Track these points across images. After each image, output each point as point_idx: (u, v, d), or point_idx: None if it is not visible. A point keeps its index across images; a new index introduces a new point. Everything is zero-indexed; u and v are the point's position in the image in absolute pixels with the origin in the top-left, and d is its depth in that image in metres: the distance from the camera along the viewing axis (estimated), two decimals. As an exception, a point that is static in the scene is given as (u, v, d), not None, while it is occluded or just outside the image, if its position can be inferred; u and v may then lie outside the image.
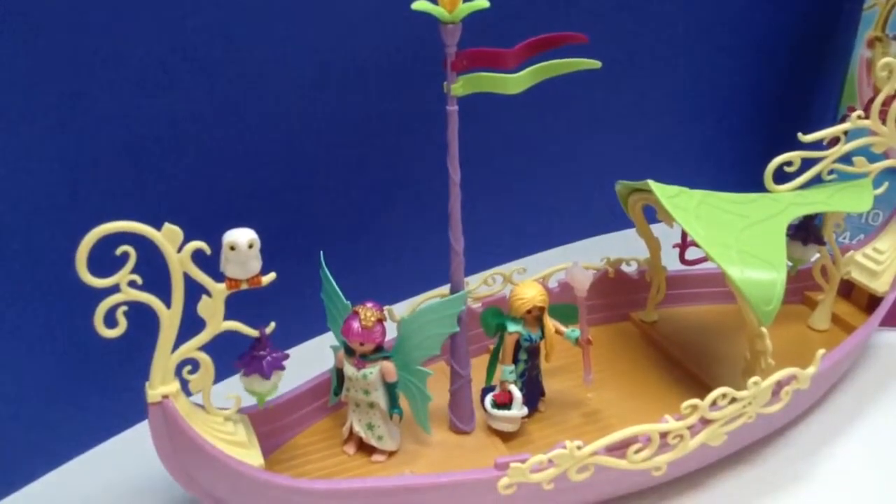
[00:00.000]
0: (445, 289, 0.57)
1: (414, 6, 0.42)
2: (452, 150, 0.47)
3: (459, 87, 0.46)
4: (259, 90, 0.61)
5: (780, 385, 0.54)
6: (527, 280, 0.58)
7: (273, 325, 0.47)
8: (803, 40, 0.89)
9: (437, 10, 0.43)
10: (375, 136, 0.68)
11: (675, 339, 0.68)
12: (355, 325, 0.49)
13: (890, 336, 0.73)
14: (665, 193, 0.56)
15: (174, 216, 0.42)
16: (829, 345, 0.65)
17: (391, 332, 0.52)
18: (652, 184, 0.56)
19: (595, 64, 0.50)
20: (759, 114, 0.90)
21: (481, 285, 0.66)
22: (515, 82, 0.47)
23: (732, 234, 0.55)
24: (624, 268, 0.70)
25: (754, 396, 0.52)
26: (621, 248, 0.69)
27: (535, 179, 0.81)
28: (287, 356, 0.49)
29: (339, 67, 0.64)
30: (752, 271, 0.52)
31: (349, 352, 0.51)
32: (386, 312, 0.61)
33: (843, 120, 0.79)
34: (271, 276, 0.44)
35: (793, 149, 0.60)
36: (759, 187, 0.60)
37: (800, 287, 0.72)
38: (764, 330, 0.53)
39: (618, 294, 0.70)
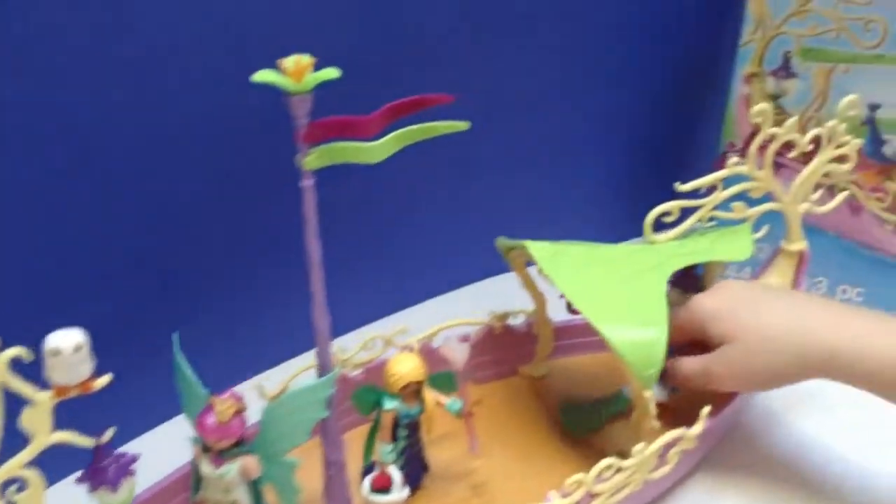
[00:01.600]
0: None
1: (255, 78, 0.39)
2: (310, 227, 0.44)
3: (314, 160, 0.43)
4: (97, 153, 0.57)
5: (666, 447, 0.53)
6: (401, 353, 0.55)
7: (111, 431, 0.42)
8: (683, 79, 0.89)
9: (283, 81, 0.40)
10: (233, 195, 0.64)
11: (565, 394, 0.66)
12: (210, 420, 0.45)
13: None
14: (542, 254, 0.54)
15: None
16: (712, 393, 0.65)
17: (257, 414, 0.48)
18: (529, 244, 0.55)
19: (462, 126, 0.48)
20: (642, 155, 0.90)
21: (360, 351, 0.62)
22: (376, 151, 0.44)
23: (611, 293, 0.53)
24: (510, 321, 0.68)
25: (640, 464, 0.51)
26: (509, 291, 0.66)
27: (414, 227, 0.78)
28: (136, 458, 0.45)
29: (203, 127, 0.60)
30: (631, 333, 0.51)
31: (205, 448, 0.47)
32: (257, 390, 0.57)
33: (723, 157, 0.80)
34: (105, 379, 0.40)
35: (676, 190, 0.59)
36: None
37: (687, 331, 0.72)
38: (647, 393, 0.52)
39: (505, 349, 0.68)
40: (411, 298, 0.81)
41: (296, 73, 0.40)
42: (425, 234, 0.79)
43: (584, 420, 0.60)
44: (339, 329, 0.73)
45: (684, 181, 0.60)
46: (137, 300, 0.62)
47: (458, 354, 0.51)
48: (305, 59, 0.40)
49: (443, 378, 0.54)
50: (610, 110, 0.85)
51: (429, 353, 0.62)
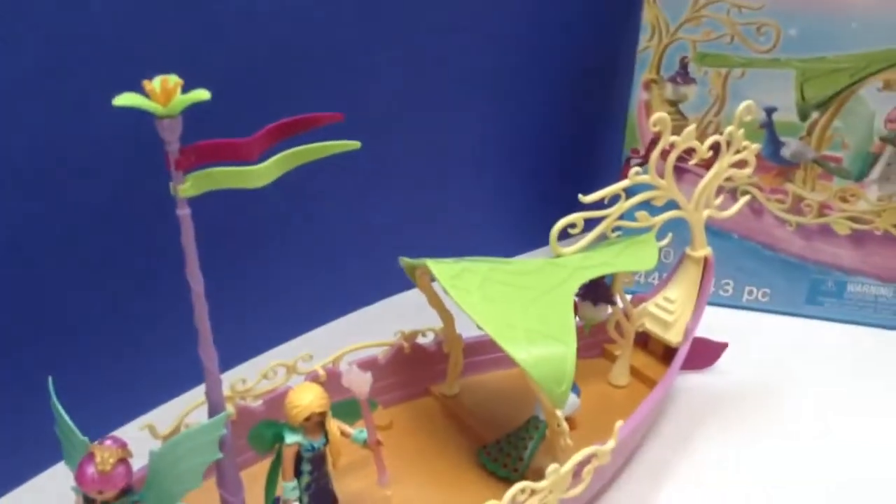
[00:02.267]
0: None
1: (116, 102, 0.36)
2: (190, 259, 0.41)
3: (189, 187, 0.40)
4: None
5: (581, 465, 0.52)
6: (302, 384, 0.52)
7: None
8: (583, 88, 0.89)
9: (149, 105, 0.37)
10: (109, 226, 0.60)
11: (478, 413, 0.64)
12: (90, 470, 0.42)
13: (689, 380, 0.74)
14: (445, 274, 0.52)
15: None
16: (629, 401, 0.65)
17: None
18: (431, 265, 0.53)
19: (353, 145, 0.46)
20: (546, 163, 0.90)
21: (261, 381, 0.59)
22: (258, 175, 0.42)
23: (518, 311, 0.52)
24: (420, 339, 0.66)
25: (554, 484, 0.49)
26: (417, 307, 0.64)
27: (314, 246, 0.76)
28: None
29: (72, 153, 0.56)
30: (539, 350, 0.49)
31: (88, 500, 0.43)
32: (148, 430, 0.54)
33: (627, 163, 0.81)
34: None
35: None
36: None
37: (598, 341, 0.72)
38: (559, 412, 0.50)
39: (416, 369, 0.66)
40: (315, 320, 0.79)
41: (163, 94, 0.37)
42: (326, 253, 0.77)
43: (508, 461, 0.58)
44: (240, 356, 0.71)
45: (590, 189, 0.59)
46: (8, 339, 0.57)
47: (361, 384, 0.49)
48: (173, 80, 0.37)
49: (346, 406, 0.52)
50: (511, 121, 0.84)
51: (335, 379, 0.60)
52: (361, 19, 0.70)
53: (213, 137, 0.40)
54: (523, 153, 0.87)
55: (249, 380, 0.59)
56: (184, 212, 0.40)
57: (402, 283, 0.66)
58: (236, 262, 0.69)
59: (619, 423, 0.53)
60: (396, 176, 0.78)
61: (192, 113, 0.39)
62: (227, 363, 0.69)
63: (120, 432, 0.61)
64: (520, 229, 0.82)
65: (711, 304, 0.74)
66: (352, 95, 0.68)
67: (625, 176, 0.80)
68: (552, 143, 0.89)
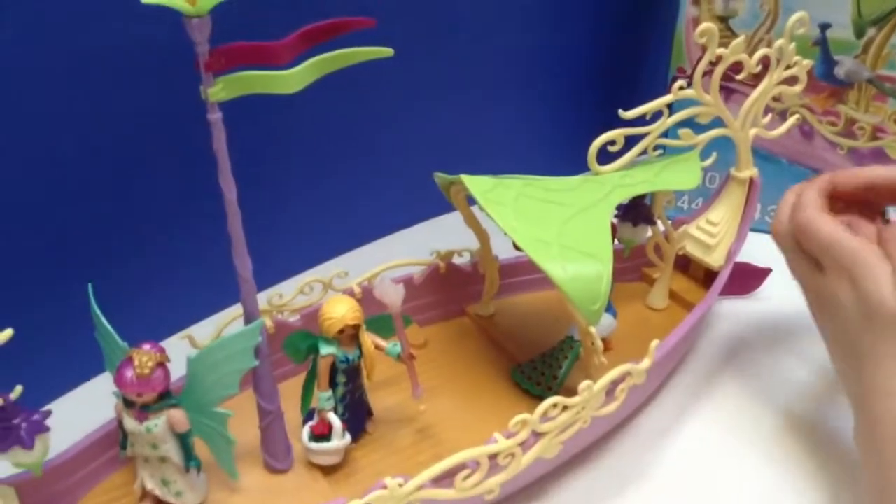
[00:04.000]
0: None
1: (145, 0, 0.35)
2: (223, 164, 0.41)
3: (220, 90, 0.39)
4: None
5: (614, 384, 0.51)
6: (336, 295, 0.52)
7: (19, 389, 0.40)
8: (629, 2, 0.86)
9: (178, 3, 0.36)
10: (144, 139, 0.60)
11: (513, 333, 0.64)
12: (129, 373, 0.43)
13: (730, 305, 0.73)
14: (479, 188, 0.52)
15: None
16: (667, 324, 0.64)
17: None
18: (465, 179, 0.52)
19: (386, 52, 0.45)
20: (589, 83, 0.87)
21: (298, 295, 0.60)
22: (291, 80, 0.41)
23: (554, 228, 0.51)
24: (456, 259, 0.66)
25: (587, 401, 0.49)
26: (454, 231, 0.64)
27: (350, 167, 0.76)
28: (48, 414, 0.43)
29: (99, 60, 0.55)
30: (574, 268, 0.49)
31: (128, 403, 0.44)
32: (187, 340, 0.55)
33: (672, 83, 0.78)
34: (7, 333, 0.37)
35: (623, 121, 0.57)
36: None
37: (637, 264, 0.71)
38: (593, 329, 0.50)
39: (451, 289, 0.67)
40: (352, 242, 0.79)
41: (192, -7, 0.36)
42: (363, 174, 0.76)
43: (543, 379, 0.58)
44: (278, 276, 0.71)
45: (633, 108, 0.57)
46: (56, 254, 0.59)
47: (393, 296, 0.49)
48: (203, -21, 0.36)
49: (380, 321, 0.52)
50: (555, 39, 0.82)
51: (371, 296, 0.60)
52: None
53: (245, 40, 0.40)
54: (568, 73, 0.85)
55: (287, 295, 0.59)
56: (215, 116, 0.40)
57: (441, 205, 0.65)
58: (276, 181, 0.69)
59: (654, 343, 0.53)
60: (437, 95, 0.76)
61: (225, 16, 0.39)
62: (265, 280, 0.71)
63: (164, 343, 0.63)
64: (564, 150, 0.79)
65: (757, 230, 0.72)
66: (396, 8, 0.66)
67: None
68: (597, 62, 0.87)
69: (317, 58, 0.42)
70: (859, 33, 0.73)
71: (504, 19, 0.78)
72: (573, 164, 0.70)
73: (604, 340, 0.61)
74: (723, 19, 0.75)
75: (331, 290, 0.61)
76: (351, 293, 0.61)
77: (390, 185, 0.78)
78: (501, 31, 0.78)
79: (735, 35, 0.75)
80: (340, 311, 0.49)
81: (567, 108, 0.87)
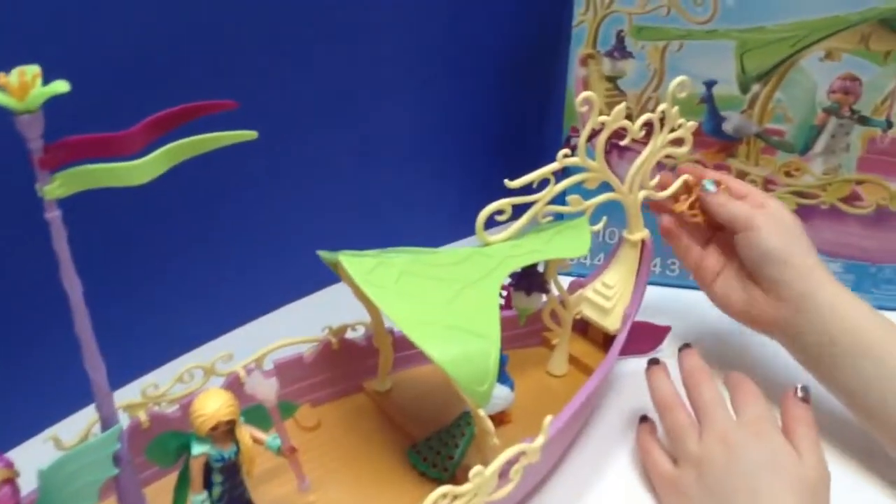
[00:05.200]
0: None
1: (-33, 96, 0.33)
2: (64, 264, 0.38)
3: (57, 187, 0.37)
4: None
5: (508, 464, 0.50)
6: (209, 390, 0.49)
7: None
8: (518, 66, 0.87)
9: (4, 100, 0.34)
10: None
11: (410, 409, 0.62)
12: (-32, 496, 0.39)
13: (633, 364, 0.72)
14: (360, 270, 0.50)
15: None
16: (568, 391, 0.63)
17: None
18: (344, 261, 0.50)
19: (249, 135, 0.43)
20: (482, 146, 0.87)
21: (176, 384, 0.56)
22: (138, 172, 0.39)
23: (439, 307, 0.50)
24: (349, 334, 0.64)
25: (479, 487, 0.48)
26: (347, 300, 0.62)
27: (232, 240, 0.73)
28: None
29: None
30: (459, 348, 0.47)
31: (-28, 527, 0.40)
32: (53, 442, 0.51)
33: (566, 144, 0.78)
34: None
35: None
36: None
37: (536, 329, 0.70)
38: (482, 412, 0.48)
39: (346, 365, 0.64)
40: (238, 319, 0.76)
41: (20, 88, 0.34)
42: (248, 248, 0.74)
43: (438, 460, 0.56)
44: (156, 360, 0.68)
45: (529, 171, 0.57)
46: None
47: (266, 390, 0.47)
48: (31, 71, 0.34)
49: (259, 411, 0.49)
50: (442, 105, 0.81)
51: (256, 380, 0.58)
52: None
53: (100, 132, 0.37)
54: (457, 138, 0.85)
55: (163, 384, 0.56)
56: (53, 214, 0.37)
57: (330, 276, 0.63)
58: (149, 261, 0.66)
59: (548, 419, 0.52)
60: (321, 165, 0.75)
61: (69, 106, 0.36)
62: (142, 367, 0.67)
63: (25, 445, 0.59)
64: (458, 217, 0.79)
65: (657, 283, 0.72)
66: (265, 83, 0.65)
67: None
68: (488, 126, 0.86)
69: (169, 146, 0.40)
70: (744, 89, 0.74)
71: (387, 86, 0.77)
72: (471, 228, 0.69)
73: (502, 413, 0.61)
74: (611, 79, 0.76)
75: (214, 375, 0.58)
76: (235, 379, 0.58)
77: (276, 257, 0.75)
78: (386, 99, 0.77)
79: (623, 94, 0.76)
80: (213, 406, 0.46)
81: (459, 173, 0.87)
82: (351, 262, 0.50)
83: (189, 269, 0.69)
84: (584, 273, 0.72)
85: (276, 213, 0.73)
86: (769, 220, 0.61)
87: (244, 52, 0.66)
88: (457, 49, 0.80)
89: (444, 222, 0.81)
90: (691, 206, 0.66)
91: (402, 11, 0.74)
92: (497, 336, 0.49)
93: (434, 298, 0.50)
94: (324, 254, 0.56)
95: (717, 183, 0.64)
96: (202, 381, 0.57)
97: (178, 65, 0.61)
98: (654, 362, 0.61)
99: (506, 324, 0.53)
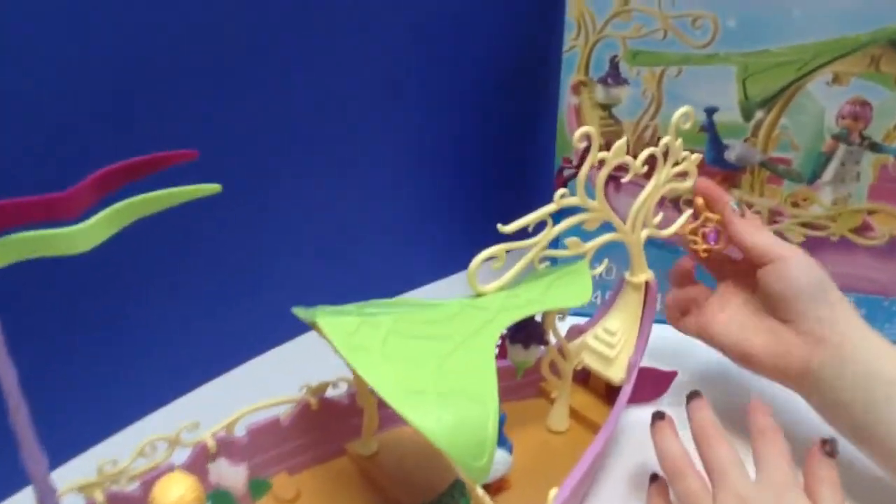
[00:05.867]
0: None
1: None
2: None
3: (-14, 260, 0.32)
4: None
5: (510, 543, 0.45)
6: (170, 473, 0.45)
7: None
8: (508, 96, 0.82)
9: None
10: None
11: (399, 474, 0.58)
12: None
13: (637, 412, 0.68)
14: (341, 333, 0.45)
15: None
16: (570, 449, 0.59)
17: None
18: (322, 323, 0.46)
19: (212, 189, 0.39)
20: (472, 182, 0.83)
21: (136, 459, 0.51)
22: (80, 236, 0.34)
23: (430, 370, 0.45)
24: (330, 392, 0.59)
25: (477, 572, 0.43)
26: (323, 351, 0.57)
27: (201, 285, 0.67)
28: None
29: None
30: (452, 418, 0.42)
31: None
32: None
33: (559, 175, 0.74)
34: None
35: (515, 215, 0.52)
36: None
37: (533, 379, 0.66)
38: (480, 490, 0.44)
39: (326, 426, 0.59)
40: (202, 376, 0.70)
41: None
42: (210, 295, 0.68)
43: None
44: (112, 425, 0.63)
45: (522, 204, 0.53)
46: None
47: (232, 479, 0.42)
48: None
49: (224, 498, 0.44)
50: (428, 136, 0.77)
51: (231, 449, 0.53)
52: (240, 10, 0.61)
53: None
54: (441, 170, 0.80)
55: (123, 458, 0.51)
56: (-20, 292, 0.32)
57: (303, 323, 0.59)
58: (103, 314, 0.60)
59: (553, 493, 0.47)
60: (292, 201, 0.70)
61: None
62: (97, 435, 0.62)
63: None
64: (444, 253, 0.75)
65: (660, 321, 0.68)
66: (229, 114, 0.60)
67: (559, 186, 0.74)
68: (474, 157, 0.82)
69: (117, 206, 0.35)
70: (747, 116, 0.71)
71: (368, 115, 0.72)
72: (459, 263, 0.64)
73: (500, 480, 0.56)
74: (605, 107, 0.72)
75: (179, 446, 0.53)
76: (203, 450, 0.53)
77: (244, 303, 0.70)
78: (367, 130, 0.72)
79: (618, 123, 0.72)
80: (175, 493, 0.42)
81: (444, 206, 0.82)
82: (331, 323, 0.46)
83: (147, 321, 0.64)
84: (584, 313, 0.67)
85: (244, 255, 0.68)
86: (796, 250, 0.57)
87: (205, 95, 0.61)
88: (440, 76, 0.76)
89: (429, 260, 0.77)
90: (706, 238, 0.62)
91: (381, 39, 0.70)
92: (495, 401, 0.44)
93: (425, 360, 0.45)
94: (299, 311, 0.51)
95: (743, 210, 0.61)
96: (166, 453, 0.52)
97: (126, 98, 0.56)
98: (658, 417, 0.56)
99: (500, 374, 0.49)
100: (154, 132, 0.56)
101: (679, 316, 0.67)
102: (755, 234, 0.59)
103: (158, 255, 0.62)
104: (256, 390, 0.57)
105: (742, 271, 0.63)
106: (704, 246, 0.63)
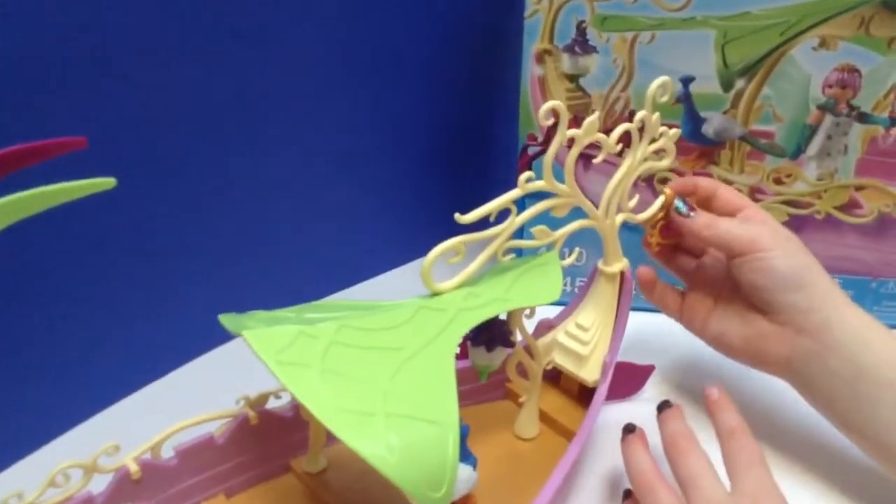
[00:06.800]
0: None
1: None
2: None
3: None
4: None
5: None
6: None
7: None
8: (466, 64, 0.77)
9: None
10: None
11: (349, 493, 0.53)
12: None
13: (612, 410, 0.64)
14: (272, 348, 0.40)
15: None
16: (540, 459, 0.56)
17: None
18: (249, 337, 0.40)
19: (107, 183, 0.33)
20: (427, 159, 0.77)
21: (47, 489, 0.46)
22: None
23: (379, 388, 0.40)
24: (272, 404, 0.54)
25: None
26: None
27: (121, 285, 0.61)
28: None
29: None
30: (406, 442, 0.38)
31: None
32: None
33: (523, 153, 0.69)
34: None
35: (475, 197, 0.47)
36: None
37: (499, 380, 0.61)
38: (438, 523, 0.39)
39: (269, 441, 0.54)
40: (120, 389, 0.64)
41: None
42: (132, 295, 0.62)
43: None
44: (19, 449, 0.57)
45: (483, 185, 0.48)
46: None
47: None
48: None
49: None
50: (381, 111, 0.72)
51: (155, 475, 0.48)
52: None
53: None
54: (393, 149, 0.75)
55: (31, 489, 0.45)
56: None
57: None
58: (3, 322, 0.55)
59: (522, 515, 0.42)
60: (234, 177, 0.64)
61: None
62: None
63: None
64: (397, 240, 0.69)
65: (639, 309, 0.64)
66: (166, 93, 0.54)
67: (523, 165, 0.69)
68: (429, 134, 0.77)
69: None
70: (727, 85, 0.66)
71: (317, 91, 0.67)
72: (418, 249, 0.59)
73: (465, 498, 0.51)
74: (571, 78, 0.67)
75: (96, 473, 0.47)
76: (125, 475, 0.47)
77: (170, 307, 0.64)
78: (316, 106, 0.67)
79: (587, 95, 0.68)
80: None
81: (397, 189, 0.77)
82: (258, 337, 0.40)
83: (55, 328, 0.58)
84: (554, 302, 0.63)
85: (168, 243, 0.62)
86: (777, 238, 0.53)
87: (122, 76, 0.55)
88: (391, 47, 0.70)
89: (382, 249, 0.72)
90: (662, 231, 0.58)
91: (329, 8, 0.64)
92: (455, 419, 0.40)
93: (373, 375, 0.40)
94: (226, 319, 0.45)
95: (691, 206, 0.57)
96: (82, 482, 0.47)
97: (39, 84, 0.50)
98: (628, 430, 0.52)
99: (462, 377, 0.44)
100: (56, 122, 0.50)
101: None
102: (716, 227, 0.56)
103: (63, 251, 0.56)
104: (185, 404, 0.53)
105: (707, 264, 0.61)
106: (657, 239, 0.59)
